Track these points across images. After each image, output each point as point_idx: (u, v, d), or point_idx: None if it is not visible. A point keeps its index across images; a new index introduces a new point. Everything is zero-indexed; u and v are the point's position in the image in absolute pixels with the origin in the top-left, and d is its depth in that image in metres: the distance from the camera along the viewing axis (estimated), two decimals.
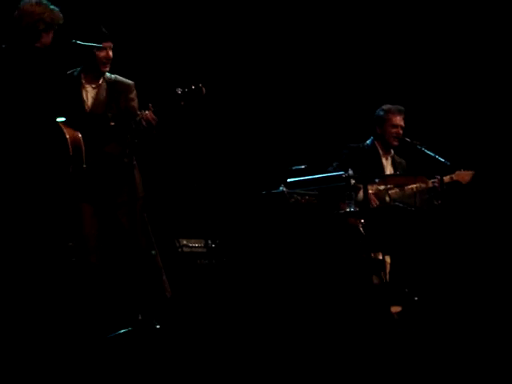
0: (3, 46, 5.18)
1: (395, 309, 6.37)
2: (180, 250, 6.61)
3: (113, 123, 5.52)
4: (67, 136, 5.18)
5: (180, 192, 7.51)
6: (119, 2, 7.42)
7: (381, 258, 6.46)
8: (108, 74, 5.72)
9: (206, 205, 7.42)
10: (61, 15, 5.22)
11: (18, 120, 5.08)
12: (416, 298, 6.30)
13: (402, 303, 6.39)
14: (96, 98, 5.66)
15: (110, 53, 5.65)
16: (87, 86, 5.70)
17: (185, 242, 6.72)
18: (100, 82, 5.70)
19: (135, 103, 5.72)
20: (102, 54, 5.61)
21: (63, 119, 5.27)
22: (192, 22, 7.74)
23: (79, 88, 5.68)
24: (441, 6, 8.10)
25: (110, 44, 5.65)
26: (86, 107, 5.67)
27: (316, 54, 8.16)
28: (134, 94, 5.74)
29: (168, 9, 7.68)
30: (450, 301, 6.26)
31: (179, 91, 5.45)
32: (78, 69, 5.73)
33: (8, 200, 5.08)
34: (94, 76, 5.69)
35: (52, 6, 5.20)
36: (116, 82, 5.72)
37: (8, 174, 5.07)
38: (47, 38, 5.18)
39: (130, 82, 5.77)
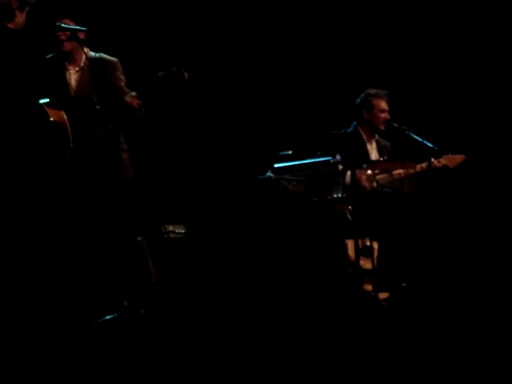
0: None
1: (383, 295, 6.36)
2: (166, 235, 6.58)
3: (98, 106, 5.43)
4: (51, 118, 5.12)
5: (166, 178, 7.47)
6: None
7: (368, 243, 6.45)
8: (92, 53, 5.62)
9: (193, 191, 7.39)
10: None
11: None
12: (404, 284, 6.29)
13: (390, 289, 6.38)
14: (80, 81, 5.57)
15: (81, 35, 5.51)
16: (70, 68, 5.61)
17: (171, 228, 6.69)
18: (82, 63, 5.59)
19: (121, 81, 5.64)
20: (82, 36, 5.49)
21: (46, 101, 5.21)
22: (178, 4, 7.69)
23: (63, 71, 5.60)
24: None
25: (62, 21, 5.46)
26: (71, 90, 5.59)
27: (301, 41, 8.12)
28: (119, 72, 5.65)
29: None
30: (438, 287, 6.25)
31: (161, 74, 5.37)
32: (61, 52, 5.61)
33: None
34: (75, 58, 5.59)
35: None
36: (100, 59, 5.61)
37: None
38: (21, 18, 5.07)
39: (114, 59, 5.67)
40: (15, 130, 5.01)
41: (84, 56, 5.56)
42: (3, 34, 5.04)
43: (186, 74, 5.42)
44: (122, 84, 5.64)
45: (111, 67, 5.63)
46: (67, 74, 5.62)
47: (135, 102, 5.42)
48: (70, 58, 5.61)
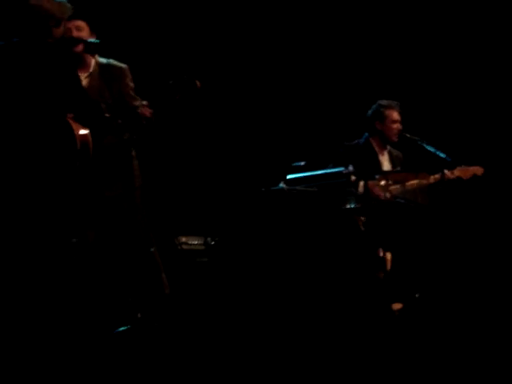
0: (14, 39, 5.12)
1: (396, 306, 6.34)
2: (179, 247, 6.59)
3: (107, 115, 5.36)
4: (75, 132, 5.13)
5: (179, 189, 7.48)
6: None
7: (382, 254, 6.43)
8: (101, 59, 5.55)
9: (206, 202, 7.40)
10: (69, 6, 5.10)
11: (27, 114, 5.05)
12: (417, 295, 6.27)
13: (404, 300, 6.37)
14: (89, 87, 5.48)
15: (80, 31, 5.40)
16: (80, 74, 5.46)
17: (184, 240, 6.70)
18: (91, 69, 5.54)
19: (130, 88, 5.58)
20: (59, 32, 5.16)
21: (72, 114, 5.22)
22: (189, 13, 7.71)
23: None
24: (435, 3, 8.09)
25: (75, 23, 5.39)
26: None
27: (314, 53, 8.14)
28: (128, 79, 5.58)
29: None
30: (452, 298, 6.24)
31: (172, 83, 5.31)
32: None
33: (14, 194, 5.05)
34: (82, 64, 5.50)
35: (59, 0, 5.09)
36: (109, 66, 5.53)
37: (14, 167, 5.04)
38: (57, 32, 5.09)
39: (123, 65, 5.60)
40: (39, 139, 5.03)
41: (94, 62, 5.52)
42: (42, 49, 5.05)
43: (198, 83, 5.40)
44: (131, 91, 5.59)
45: (120, 73, 5.57)
46: None
47: (147, 111, 5.39)
48: (80, 63, 5.52)
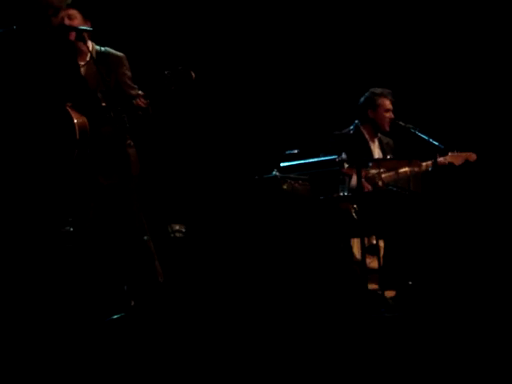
0: (14, 27, 5.10)
1: (389, 293, 6.36)
2: (172, 235, 6.60)
3: (104, 104, 5.34)
4: (75, 120, 5.13)
5: (173, 177, 7.48)
6: None
7: (375, 242, 6.45)
8: (97, 47, 5.52)
9: (199, 190, 7.40)
10: None
11: (26, 102, 5.04)
12: (410, 283, 6.29)
13: (396, 288, 6.38)
14: (86, 76, 5.45)
15: (72, 20, 5.37)
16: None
17: (177, 228, 6.70)
18: (88, 58, 5.50)
19: (127, 77, 5.56)
20: (57, 19, 5.25)
21: (71, 103, 5.21)
22: (184, 3, 7.70)
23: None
24: None
25: (68, 12, 5.35)
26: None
27: (306, 40, 8.14)
28: (125, 67, 5.56)
29: None
30: (445, 285, 6.25)
31: (168, 73, 5.33)
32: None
33: (11, 183, 5.05)
34: (81, 51, 5.47)
35: None
36: (106, 54, 5.49)
37: (13, 156, 5.04)
38: (56, 21, 5.09)
39: (120, 54, 5.58)
40: (38, 127, 5.03)
41: (90, 50, 5.48)
42: (42, 37, 5.05)
43: (193, 74, 5.40)
44: (128, 80, 5.57)
45: (118, 62, 5.54)
46: None
47: (142, 102, 5.41)
48: (76, 51, 5.48)
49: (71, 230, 5.90)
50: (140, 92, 5.43)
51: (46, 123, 5.03)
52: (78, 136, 5.10)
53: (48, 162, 5.07)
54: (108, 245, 5.58)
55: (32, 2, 5.04)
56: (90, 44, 5.48)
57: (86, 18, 5.47)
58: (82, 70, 5.49)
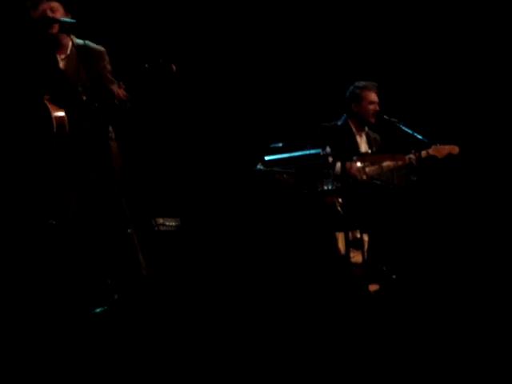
0: None
1: (373, 287, 6.37)
2: (156, 228, 6.58)
3: (84, 97, 5.34)
4: (52, 114, 5.12)
5: (157, 170, 7.46)
6: None
7: (359, 236, 6.45)
8: (78, 40, 5.46)
9: (183, 183, 7.39)
10: None
11: (2, 95, 5.03)
12: (394, 276, 6.30)
13: (380, 281, 6.40)
14: (67, 69, 5.47)
15: (53, 12, 5.36)
16: (57, 56, 5.48)
17: (161, 221, 6.69)
18: (68, 51, 5.49)
19: (108, 71, 5.55)
20: (36, 12, 5.33)
21: (48, 96, 5.20)
22: None
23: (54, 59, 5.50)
24: None
25: (50, 4, 5.37)
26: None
27: (291, 33, 8.12)
28: (106, 61, 5.54)
29: None
30: (428, 279, 6.27)
31: (148, 66, 5.32)
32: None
33: None
34: (59, 45, 5.47)
35: None
36: (86, 47, 5.42)
37: None
38: (35, 14, 5.11)
39: (101, 48, 5.56)
40: (15, 121, 5.02)
41: (71, 43, 5.44)
42: (19, 30, 5.05)
43: (174, 67, 5.38)
44: (109, 73, 5.55)
45: (98, 55, 5.52)
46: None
47: (122, 94, 5.38)
48: (56, 44, 5.49)
49: (53, 223, 5.89)
50: (121, 83, 5.40)
51: (23, 116, 5.01)
52: (55, 129, 5.08)
53: (26, 154, 5.05)
54: (91, 238, 5.56)
55: None
56: (71, 37, 5.43)
57: (67, 10, 5.44)
58: (63, 63, 5.48)
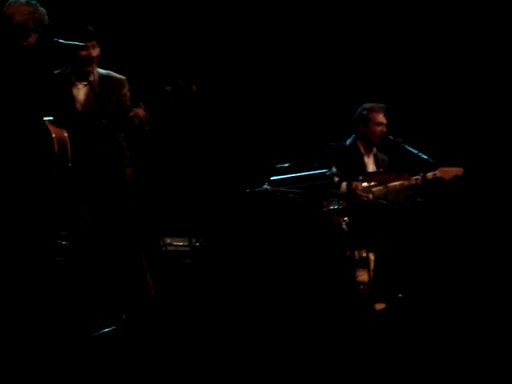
0: None
1: (379, 306, 6.38)
2: (164, 248, 6.61)
3: (104, 121, 5.51)
4: (53, 135, 5.18)
5: (164, 190, 7.49)
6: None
7: (365, 255, 6.47)
8: (100, 70, 5.69)
9: (190, 203, 7.41)
10: (47, 17, 5.25)
11: (2, 117, 5.08)
12: (400, 295, 6.31)
13: (386, 300, 6.41)
14: (87, 96, 5.64)
15: (94, 52, 5.62)
16: (78, 83, 5.68)
17: (169, 241, 6.72)
18: (91, 79, 5.66)
19: (127, 98, 5.71)
20: (84, 52, 5.58)
21: (50, 118, 5.27)
22: (179, 20, 7.76)
23: (70, 86, 5.66)
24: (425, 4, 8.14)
25: (94, 43, 5.63)
26: (78, 105, 5.66)
27: (299, 53, 8.17)
28: (126, 89, 5.72)
29: (157, 7, 7.71)
30: (434, 297, 6.27)
31: (169, 89, 5.48)
32: (69, 67, 5.70)
33: None
34: (83, 74, 5.66)
35: (40, 7, 5.23)
36: (108, 77, 5.69)
37: None
38: (33, 38, 5.20)
39: (122, 77, 5.75)
40: (17, 143, 5.07)
41: (94, 72, 5.66)
42: (18, 52, 5.12)
43: (194, 88, 5.52)
44: (128, 101, 5.71)
45: (119, 84, 5.71)
46: (74, 89, 5.67)
47: (142, 114, 5.52)
48: (79, 72, 5.66)
49: (63, 243, 5.95)
50: (141, 104, 5.53)
51: (23, 137, 5.08)
52: (56, 149, 5.17)
53: (29, 175, 5.11)
54: (100, 259, 5.61)
55: (14, 14, 5.13)
56: (94, 66, 5.64)
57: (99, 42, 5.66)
58: (85, 89, 5.65)
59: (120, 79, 5.73)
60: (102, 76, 5.68)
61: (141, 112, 5.51)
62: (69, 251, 5.70)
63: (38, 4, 5.21)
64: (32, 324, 5.10)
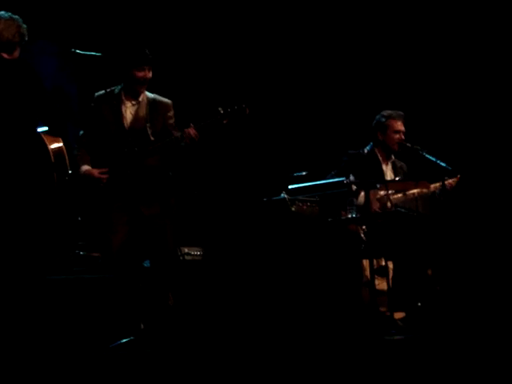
0: None
1: (398, 315, 6.36)
2: (182, 258, 6.62)
3: (152, 138, 5.72)
4: (48, 145, 5.26)
5: (182, 199, 7.50)
6: (164, 24, 7.78)
7: (384, 263, 6.45)
8: (148, 93, 5.89)
9: (208, 212, 7.43)
10: (24, 26, 5.33)
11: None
12: (419, 304, 6.29)
13: (406, 309, 6.39)
14: (135, 115, 5.82)
15: (149, 74, 5.80)
16: (127, 102, 5.84)
17: (186, 250, 6.73)
18: (140, 99, 5.85)
19: (172, 121, 5.89)
20: (141, 73, 5.76)
21: (45, 129, 5.34)
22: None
23: (119, 104, 5.80)
24: (440, 13, 8.13)
25: (149, 66, 5.81)
26: (126, 123, 5.80)
27: (316, 61, 8.20)
28: (171, 113, 5.91)
29: (209, 31, 7.95)
30: (454, 306, 6.25)
31: (221, 110, 5.67)
32: (119, 86, 5.86)
33: None
34: (133, 94, 5.84)
35: (22, 22, 5.32)
36: (155, 100, 5.89)
37: None
38: (18, 52, 5.31)
39: (168, 101, 5.95)
40: (12, 156, 5.12)
41: (143, 94, 5.85)
42: (2, 65, 5.20)
43: (248, 110, 5.72)
44: (172, 121, 5.89)
45: (165, 107, 5.90)
46: (123, 107, 5.82)
47: (193, 133, 5.66)
48: (131, 91, 5.83)
49: (81, 253, 5.98)
50: (191, 125, 5.69)
51: (18, 148, 5.13)
52: (53, 159, 5.24)
53: (28, 185, 5.15)
54: (129, 271, 5.68)
55: (3, 30, 5.20)
56: (142, 89, 5.84)
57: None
58: (133, 108, 5.86)
59: (167, 103, 5.93)
60: (149, 98, 5.87)
61: (191, 131, 5.65)
62: (100, 261, 5.86)
63: (20, 18, 5.31)
64: (48, 334, 5.13)
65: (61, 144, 5.34)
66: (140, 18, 7.69)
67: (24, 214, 5.13)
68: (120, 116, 5.78)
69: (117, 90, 5.84)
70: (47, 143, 5.27)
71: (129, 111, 5.81)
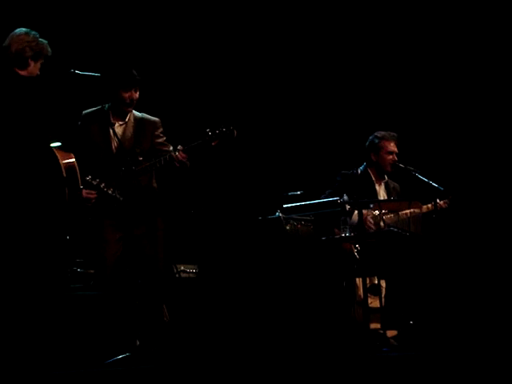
0: None
1: (391, 333, 6.40)
2: (177, 275, 6.65)
3: (141, 158, 5.73)
4: (60, 160, 5.29)
5: (177, 217, 7.54)
6: (151, 44, 7.85)
7: (376, 282, 6.50)
8: (136, 113, 5.91)
9: (204, 230, 7.46)
10: (49, 48, 5.37)
11: (9, 145, 5.17)
12: (411, 322, 6.33)
13: (398, 327, 6.43)
14: (123, 135, 5.83)
15: (135, 94, 5.83)
16: (115, 122, 5.85)
17: (182, 268, 6.76)
18: (127, 119, 5.88)
19: (162, 139, 5.92)
20: (127, 94, 5.79)
21: (58, 144, 5.38)
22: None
23: (107, 125, 5.81)
24: (433, 33, 8.21)
25: (136, 87, 5.84)
26: (114, 144, 5.81)
27: (311, 82, 8.25)
28: (160, 131, 5.94)
29: (196, 51, 8.01)
30: (446, 324, 6.29)
31: (209, 132, 5.66)
32: (107, 105, 5.87)
33: (4, 221, 5.15)
34: (120, 114, 5.86)
35: (41, 38, 5.35)
36: (142, 120, 5.91)
37: (4, 198, 5.15)
38: (35, 68, 5.32)
39: (156, 119, 5.97)
40: (25, 171, 5.15)
41: (131, 114, 5.88)
42: (14, 80, 5.23)
43: (236, 132, 5.70)
44: (162, 139, 5.92)
45: (153, 125, 5.93)
46: (111, 127, 5.80)
47: (180, 156, 5.66)
48: (118, 112, 5.86)
49: (79, 270, 6.02)
50: (179, 146, 5.71)
51: (31, 164, 5.17)
52: (64, 174, 5.27)
53: (40, 199, 5.19)
54: (122, 288, 5.70)
55: (12, 44, 5.27)
56: (132, 108, 5.87)
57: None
58: (121, 128, 5.87)
59: (154, 121, 5.95)
60: (137, 118, 5.90)
61: (180, 154, 5.66)
62: (94, 278, 5.87)
63: (38, 35, 5.34)
64: (44, 350, 5.15)
65: (73, 159, 5.36)
66: (127, 37, 7.72)
67: (36, 228, 5.17)
68: (108, 137, 5.79)
69: (105, 109, 5.85)
70: (60, 158, 5.30)
71: (117, 131, 5.81)
